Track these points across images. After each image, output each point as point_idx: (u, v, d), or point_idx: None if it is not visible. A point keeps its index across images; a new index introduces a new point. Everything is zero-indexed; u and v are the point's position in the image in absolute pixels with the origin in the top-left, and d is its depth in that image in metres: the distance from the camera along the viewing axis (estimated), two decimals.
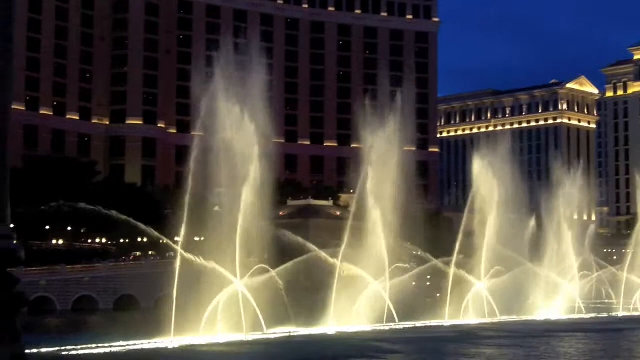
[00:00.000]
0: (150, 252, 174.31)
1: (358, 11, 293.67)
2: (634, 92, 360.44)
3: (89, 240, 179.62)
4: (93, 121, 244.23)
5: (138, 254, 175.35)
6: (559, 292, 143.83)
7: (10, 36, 5.85)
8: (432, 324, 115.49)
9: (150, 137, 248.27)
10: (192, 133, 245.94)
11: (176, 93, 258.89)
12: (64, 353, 75.39)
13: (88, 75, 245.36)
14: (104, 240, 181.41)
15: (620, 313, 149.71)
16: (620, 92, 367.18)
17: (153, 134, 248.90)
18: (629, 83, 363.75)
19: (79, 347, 77.65)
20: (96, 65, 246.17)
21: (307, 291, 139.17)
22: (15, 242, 6.45)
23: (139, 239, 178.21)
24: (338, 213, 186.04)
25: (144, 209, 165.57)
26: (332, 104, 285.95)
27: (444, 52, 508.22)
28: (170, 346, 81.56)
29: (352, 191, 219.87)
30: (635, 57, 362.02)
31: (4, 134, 5.76)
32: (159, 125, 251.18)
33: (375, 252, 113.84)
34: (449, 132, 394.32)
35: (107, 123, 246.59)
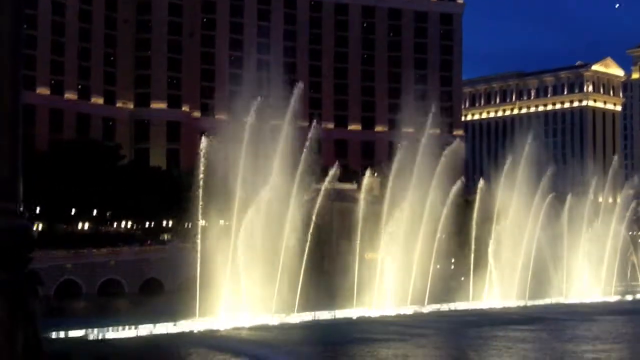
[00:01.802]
0: (166, 236, 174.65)
1: None
2: None
3: (115, 224, 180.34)
4: (117, 105, 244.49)
5: (167, 237, 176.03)
6: (586, 275, 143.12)
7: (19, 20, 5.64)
8: (457, 307, 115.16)
9: (174, 120, 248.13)
10: (216, 116, 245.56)
11: (200, 76, 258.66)
12: (90, 336, 75.86)
13: (112, 59, 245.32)
14: (129, 224, 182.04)
15: None
16: None
17: (177, 118, 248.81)
18: None
19: (105, 330, 78.09)
20: (120, 49, 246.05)
21: (330, 275, 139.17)
22: (26, 221, 6.29)
23: (164, 223, 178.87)
24: (362, 196, 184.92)
25: (170, 192, 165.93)
26: (356, 86, 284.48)
27: (468, 34, 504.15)
28: (196, 330, 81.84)
29: (376, 174, 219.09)
30: None
31: (17, 113, 5.67)
32: (184, 108, 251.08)
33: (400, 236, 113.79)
34: (473, 114, 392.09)
35: (132, 107, 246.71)
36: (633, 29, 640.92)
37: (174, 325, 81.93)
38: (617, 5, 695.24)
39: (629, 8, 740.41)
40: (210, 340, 76.34)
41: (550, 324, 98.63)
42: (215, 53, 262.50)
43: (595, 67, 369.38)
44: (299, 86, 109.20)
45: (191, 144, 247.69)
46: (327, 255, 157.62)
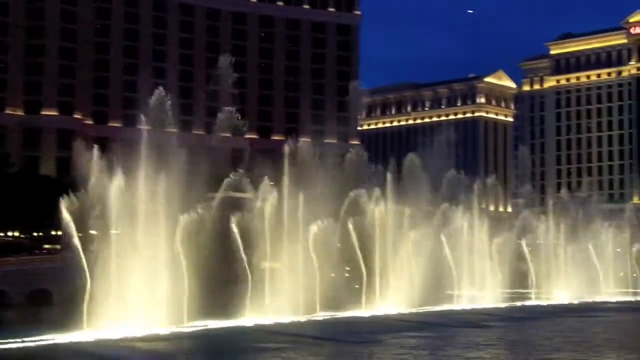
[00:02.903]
0: (56, 246, 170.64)
1: (280, 3, 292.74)
2: (550, 87, 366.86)
3: (1, 234, 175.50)
4: (7, 112, 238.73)
5: (57, 246, 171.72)
6: (478, 282, 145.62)
7: None
8: (351, 315, 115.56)
9: (66, 128, 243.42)
10: (110, 124, 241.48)
11: (94, 84, 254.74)
12: None
13: (3, 65, 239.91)
14: (16, 234, 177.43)
15: (536, 302, 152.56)
16: (536, 86, 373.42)
17: (69, 125, 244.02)
18: (545, 77, 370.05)
19: None
20: (11, 55, 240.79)
21: (226, 283, 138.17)
22: None
23: (53, 232, 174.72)
24: (259, 205, 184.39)
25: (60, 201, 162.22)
26: (253, 96, 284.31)
27: (365, 44, 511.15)
28: (84, 340, 79.97)
29: (272, 183, 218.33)
30: (552, 52, 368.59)
31: None
32: (76, 116, 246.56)
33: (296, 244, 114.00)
34: (369, 125, 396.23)
35: (22, 114, 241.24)
36: (524, 42, 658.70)
37: (61, 336, 79.95)
38: (470, 11, 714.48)
39: (520, 20, 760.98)
40: (96, 351, 74.65)
41: (442, 330, 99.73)
42: (110, 60, 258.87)
43: (487, 79, 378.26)
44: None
45: (83, 152, 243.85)
46: (225, 264, 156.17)
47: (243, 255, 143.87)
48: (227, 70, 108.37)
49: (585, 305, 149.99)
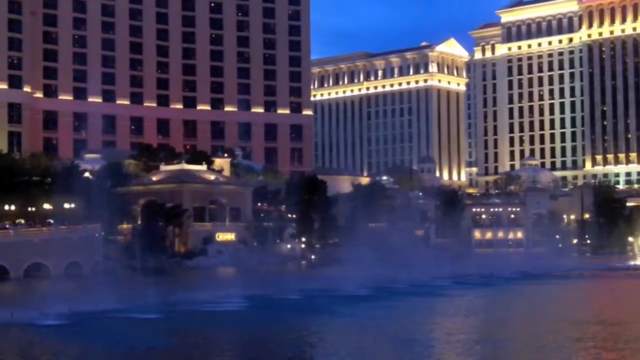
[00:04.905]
0: (17, 221, 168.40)
1: None
2: (501, 54, 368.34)
3: None
4: None
5: (17, 221, 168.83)
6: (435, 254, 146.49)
7: None
8: (306, 287, 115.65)
9: (15, 102, 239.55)
10: (60, 97, 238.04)
11: (42, 56, 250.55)
12: None
13: None
14: None
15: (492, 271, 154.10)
16: (488, 54, 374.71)
17: (19, 99, 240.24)
18: (496, 45, 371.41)
19: None
20: None
21: (181, 257, 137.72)
22: None
23: (6, 207, 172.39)
24: (212, 177, 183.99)
25: (12, 176, 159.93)
26: (204, 66, 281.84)
27: (316, 14, 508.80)
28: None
29: (226, 155, 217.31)
30: (503, 20, 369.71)
31: None
32: (25, 89, 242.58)
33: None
34: (322, 94, 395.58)
35: None
36: (476, 10, 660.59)
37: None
38: None
39: None
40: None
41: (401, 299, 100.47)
42: (58, 32, 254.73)
43: (439, 48, 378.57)
44: None
45: (34, 126, 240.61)
46: (179, 236, 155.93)
47: (197, 228, 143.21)
48: None
49: (541, 273, 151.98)
